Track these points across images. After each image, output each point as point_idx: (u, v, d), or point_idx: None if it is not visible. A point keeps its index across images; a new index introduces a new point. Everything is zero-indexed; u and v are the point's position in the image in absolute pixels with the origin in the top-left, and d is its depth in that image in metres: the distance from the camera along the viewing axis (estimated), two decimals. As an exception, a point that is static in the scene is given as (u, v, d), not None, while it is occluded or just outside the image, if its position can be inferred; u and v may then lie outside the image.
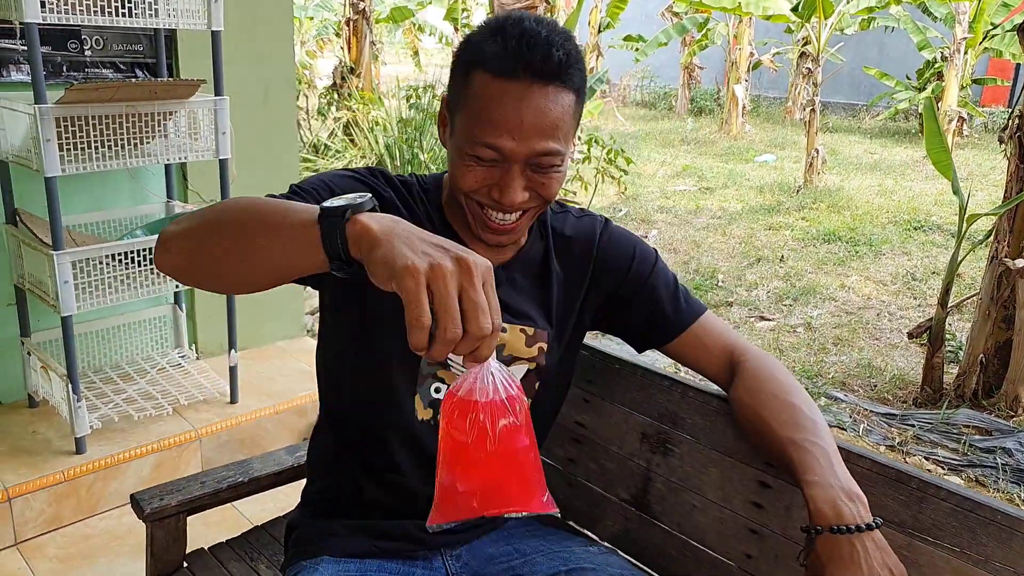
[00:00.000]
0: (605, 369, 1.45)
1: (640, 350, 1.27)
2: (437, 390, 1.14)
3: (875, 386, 3.85)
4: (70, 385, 2.16)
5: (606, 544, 1.43)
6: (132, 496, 1.47)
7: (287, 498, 1.79)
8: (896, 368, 4.02)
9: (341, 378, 1.18)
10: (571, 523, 1.52)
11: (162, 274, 2.29)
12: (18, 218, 2.24)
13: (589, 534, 1.48)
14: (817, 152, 8.31)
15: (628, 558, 1.38)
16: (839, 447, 1.08)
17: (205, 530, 1.89)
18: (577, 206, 1.29)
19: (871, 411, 3.56)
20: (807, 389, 3.69)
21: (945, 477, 3.02)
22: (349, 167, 1.17)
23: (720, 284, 5.34)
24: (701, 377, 1.28)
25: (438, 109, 1.12)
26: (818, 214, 7.33)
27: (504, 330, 1.14)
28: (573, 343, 1.24)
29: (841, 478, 0.99)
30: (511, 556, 1.21)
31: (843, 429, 3.40)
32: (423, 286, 0.68)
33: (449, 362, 1.14)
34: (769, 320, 4.75)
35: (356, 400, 1.16)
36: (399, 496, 1.15)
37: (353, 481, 1.18)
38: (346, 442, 1.19)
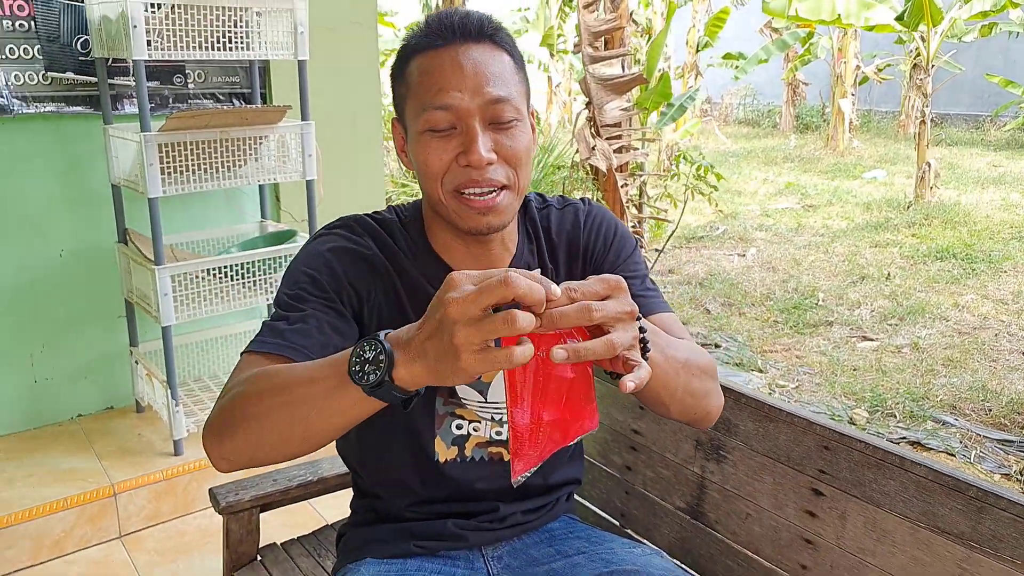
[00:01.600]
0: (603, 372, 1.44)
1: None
2: (459, 427, 1.16)
3: (990, 410, 3.60)
4: (169, 391, 2.32)
5: (651, 545, 1.41)
6: (210, 491, 1.56)
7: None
8: (1015, 391, 3.75)
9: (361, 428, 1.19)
10: (628, 531, 1.51)
11: (254, 288, 2.45)
12: (128, 237, 2.44)
13: (646, 542, 1.46)
14: (929, 166, 7.90)
15: (676, 562, 1.35)
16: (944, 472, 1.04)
17: (282, 528, 1.99)
18: (557, 195, 1.27)
19: (984, 436, 3.33)
20: (911, 412, 3.52)
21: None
22: (317, 244, 1.10)
23: (820, 303, 5.14)
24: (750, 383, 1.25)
25: (394, 138, 1.12)
26: (930, 230, 6.95)
27: None
28: None
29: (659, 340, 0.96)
30: (553, 558, 1.22)
31: (952, 455, 3.20)
32: (481, 358, 0.71)
33: (463, 400, 1.16)
34: (872, 340, 4.53)
35: (379, 449, 1.18)
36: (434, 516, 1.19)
37: (389, 510, 1.22)
38: (368, 493, 1.24)
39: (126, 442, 2.51)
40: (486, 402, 1.17)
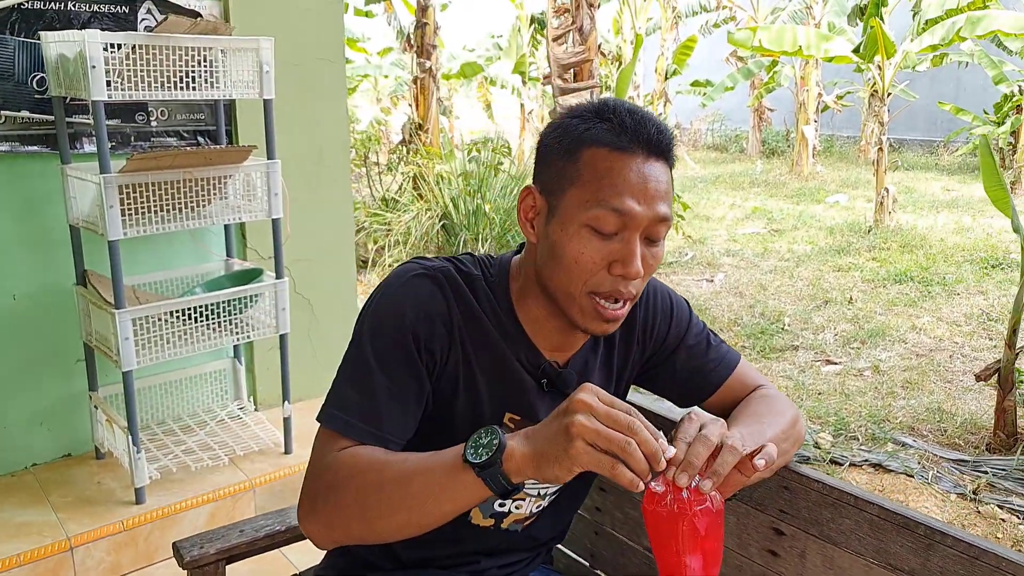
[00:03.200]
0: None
1: (681, 406, 1.28)
2: (501, 504, 1.15)
3: (945, 431, 3.68)
4: (131, 437, 2.28)
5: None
6: (174, 544, 1.53)
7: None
8: (968, 412, 3.84)
9: None
10: (598, 572, 1.52)
11: (219, 329, 2.43)
12: (87, 279, 2.41)
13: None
14: (887, 191, 8.10)
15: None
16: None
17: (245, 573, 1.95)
18: None
19: (941, 457, 3.40)
20: (872, 435, 3.58)
21: (1021, 527, 2.85)
22: (402, 298, 1.06)
23: (786, 328, 5.22)
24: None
25: (518, 204, 1.09)
26: (889, 254, 7.11)
27: None
28: None
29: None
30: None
31: (911, 476, 3.25)
32: (590, 451, 0.81)
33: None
34: (835, 364, 4.61)
35: None
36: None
37: (368, 555, 1.20)
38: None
39: (84, 491, 2.45)
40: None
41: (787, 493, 1.20)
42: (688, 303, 1.27)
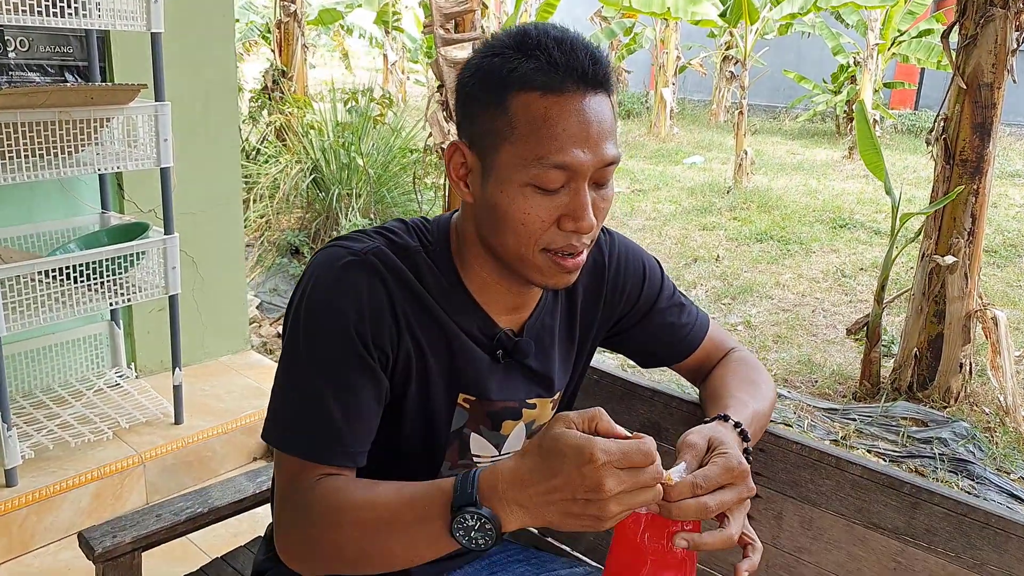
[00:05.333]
0: (585, 380, 1.42)
1: (648, 367, 1.26)
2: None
3: (816, 382, 3.96)
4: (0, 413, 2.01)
5: (590, 562, 1.41)
6: (80, 535, 1.36)
7: (240, 524, 1.70)
8: (834, 364, 4.15)
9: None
10: (549, 539, 1.49)
11: (98, 289, 2.18)
12: (-62, 233, 2.08)
13: (568, 550, 1.45)
14: (746, 153, 8.54)
15: None
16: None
17: (154, 564, 1.79)
18: None
19: (814, 406, 3.65)
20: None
21: (889, 470, 3.12)
22: (336, 292, 0.95)
23: (660, 285, 5.41)
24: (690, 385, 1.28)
25: (446, 162, 0.98)
26: (749, 214, 7.52)
27: (533, 406, 1.11)
28: (583, 371, 1.21)
29: (750, 428, 1.02)
30: (497, 585, 1.18)
31: (788, 425, 3.47)
32: (625, 506, 0.76)
33: (476, 458, 1.10)
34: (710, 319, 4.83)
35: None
36: None
37: None
38: None
39: (-58, 473, 2.15)
40: (500, 455, 1.10)
41: (763, 455, 1.21)
42: (660, 264, 1.24)
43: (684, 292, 1.31)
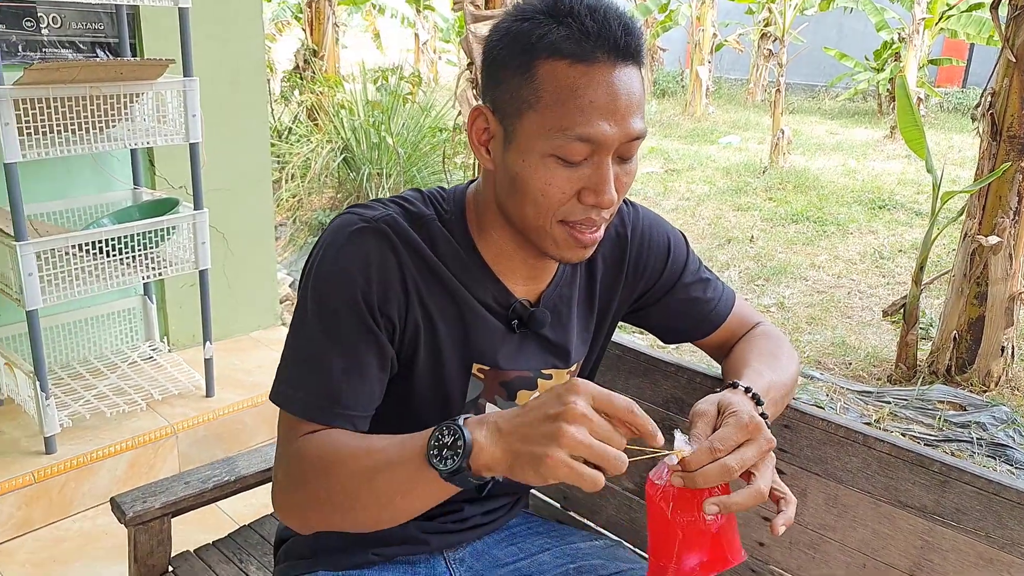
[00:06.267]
0: (607, 355, 1.41)
1: (672, 343, 1.24)
2: None
3: (850, 364, 3.89)
4: (38, 383, 2.06)
5: (611, 535, 1.40)
6: (113, 500, 1.39)
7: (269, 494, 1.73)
8: (870, 346, 4.07)
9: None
10: (571, 513, 1.48)
11: (130, 263, 2.21)
12: (-24, 208, 2.13)
13: (590, 524, 1.44)
14: (783, 133, 8.38)
15: (635, 549, 1.35)
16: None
17: (185, 530, 1.82)
18: None
19: (847, 389, 3.59)
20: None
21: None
22: (344, 258, 0.94)
23: (692, 265, 5.34)
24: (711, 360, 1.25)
25: (468, 127, 0.96)
26: (785, 194, 7.39)
27: (549, 376, 1.09)
28: (604, 344, 1.19)
29: (766, 396, 0.98)
30: (516, 557, 1.17)
31: (820, 407, 3.41)
32: (571, 464, 0.73)
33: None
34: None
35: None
36: None
37: None
38: None
39: (-15, 441, 2.21)
40: None
41: (788, 432, 1.19)
42: (685, 237, 1.22)
43: (717, 273, 1.28)
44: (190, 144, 2.26)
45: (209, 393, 2.50)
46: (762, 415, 0.93)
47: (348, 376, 0.93)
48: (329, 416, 0.92)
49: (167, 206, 2.34)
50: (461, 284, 0.99)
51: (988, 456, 3.03)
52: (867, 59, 12.82)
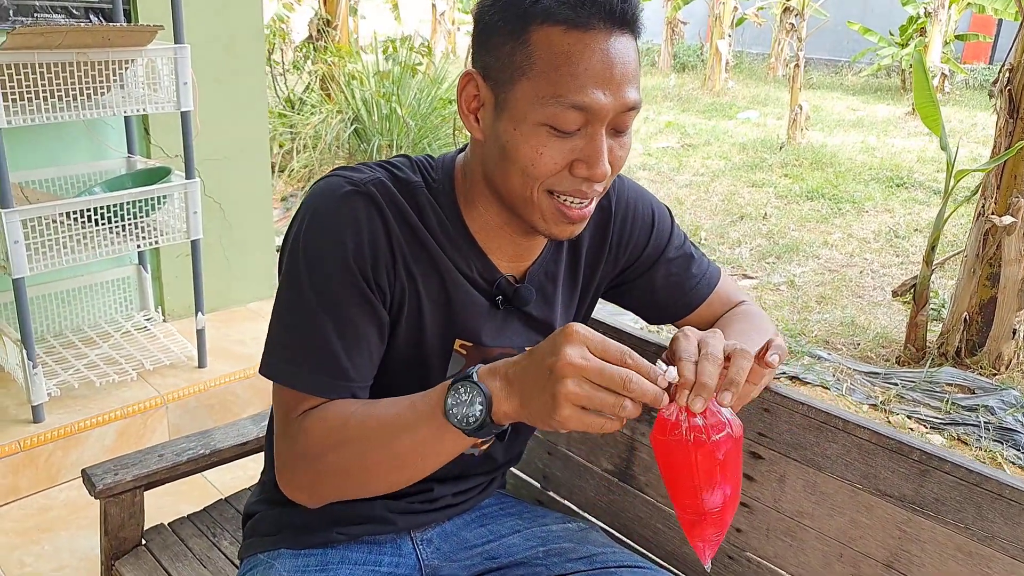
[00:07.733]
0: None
1: (653, 323, 1.20)
2: None
3: (858, 344, 3.82)
4: (25, 351, 2.05)
5: (586, 516, 1.37)
6: (84, 471, 1.37)
7: (257, 466, 1.71)
8: (879, 326, 4.00)
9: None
10: (550, 493, 1.46)
11: (123, 233, 2.19)
12: (-36, 174, 2.10)
13: (570, 505, 1.42)
14: (801, 108, 8.22)
15: (609, 529, 1.32)
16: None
17: (171, 500, 1.82)
18: None
19: (854, 369, 3.53)
20: (789, 348, 3.68)
21: (927, 435, 3.01)
22: (334, 223, 0.91)
23: (703, 242, 5.27)
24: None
25: (457, 93, 0.92)
26: (801, 171, 7.26)
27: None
28: (585, 319, 1.16)
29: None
30: (486, 539, 1.14)
31: (826, 388, 3.37)
32: (579, 415, 0.74)
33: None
34: (752, 278, 4.70)
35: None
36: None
37: None
38: None
39: (-27, 410, 2.22)
40: None
41: (767, 416, 1.15)
42: (670, 212, 1.17)
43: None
44: (182, 112, 2.23)
45: (201, 364, 2.49)
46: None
47: (347, 347, 0.90)
48: (334, 390, 0.91)
49: (159, 175, 2.32)
50: (447, 256, 0.96)
51: (995, 440, 2.97)
52: (891, 34, 12.54)
